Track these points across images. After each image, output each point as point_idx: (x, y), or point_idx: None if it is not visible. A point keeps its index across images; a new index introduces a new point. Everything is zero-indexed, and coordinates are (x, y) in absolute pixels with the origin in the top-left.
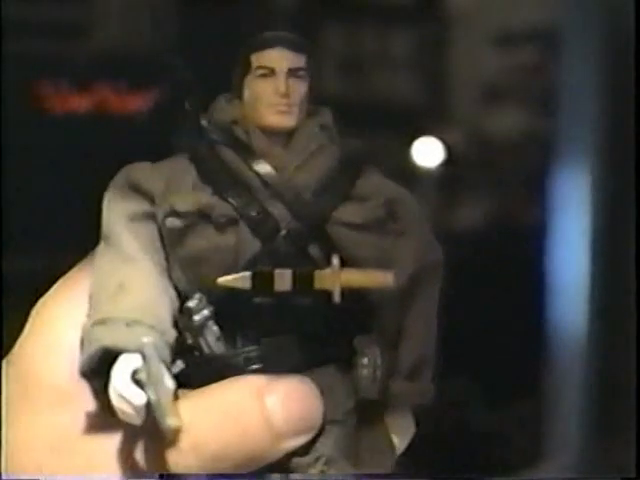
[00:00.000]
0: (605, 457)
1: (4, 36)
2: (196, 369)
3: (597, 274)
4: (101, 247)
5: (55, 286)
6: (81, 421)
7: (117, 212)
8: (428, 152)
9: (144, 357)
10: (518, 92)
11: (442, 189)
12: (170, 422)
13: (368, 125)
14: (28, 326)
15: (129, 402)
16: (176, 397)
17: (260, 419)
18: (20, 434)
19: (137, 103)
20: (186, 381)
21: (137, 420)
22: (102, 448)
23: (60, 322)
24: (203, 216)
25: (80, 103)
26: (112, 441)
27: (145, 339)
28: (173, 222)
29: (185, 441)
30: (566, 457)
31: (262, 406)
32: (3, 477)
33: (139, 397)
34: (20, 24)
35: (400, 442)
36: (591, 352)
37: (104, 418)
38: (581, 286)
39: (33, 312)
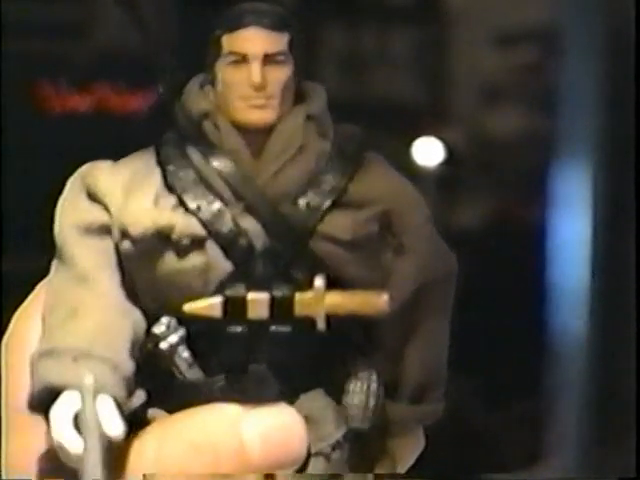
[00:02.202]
0: (605, 457)
1: (4, 36)
2: (169, 394)
3: (597, 274)
4: (54, 263)
5: (31, 295)
6: (45, 445)
7: (71, 222)
8: (428, 152)
9: (83, 400)
10: (518, 92)
11: (442, 189)
12: None
13: (367, 125)
14: (5, 336)
15: (65, 449)
16: (146, 421)
17: (235, 451)
18: None
19: (137, 103)
20: (159, 404)
21: (79, 465)
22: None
23: (30, 338)
24: (163, 238)
25: (80, 103)
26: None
27: (86, 379)
28: (126, 246)
29: (151, 471)
30: (566, 457)
31: (238, 437)
32: (3, 477)
33: (76, 444)
34: (20, 24)
35: (405, 462)
36: (591, 353)
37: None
38: (581, 287)
39: (12, 321)
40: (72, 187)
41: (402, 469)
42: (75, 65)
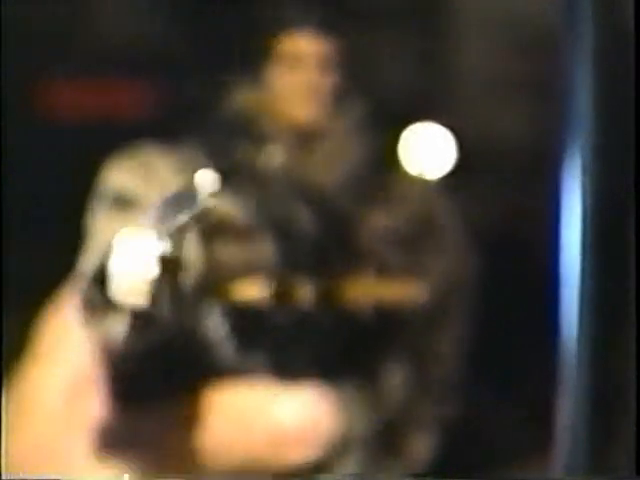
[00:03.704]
0: (604, 457)
1: (4, 36)
2: (212, 375)
3: (598, 274)
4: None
5: (58, 297)
6: (73, 434)
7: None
8: (435, 149)
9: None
10: (519, 91)
11: (449, 187)
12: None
13: (388, 124)
14: (34, 338)
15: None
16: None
17: (267, 425)
18: (18, 445)
19: (137, 102)
20: (198, 384)
21: (142, 289)
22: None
23: (58, 337)
24: (218, 225)
25: (82, 103)
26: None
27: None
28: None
29: (184, 440)
30: (566, 457)
31: (270, 412)
32: (3, 477)
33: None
34: (20, 24)
35: (422, 458)
36: (590, 352)
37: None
38: (581, 286)
39: (39, 322)
40: (123, 162)
41: (419, 465)
42: (75, 64)
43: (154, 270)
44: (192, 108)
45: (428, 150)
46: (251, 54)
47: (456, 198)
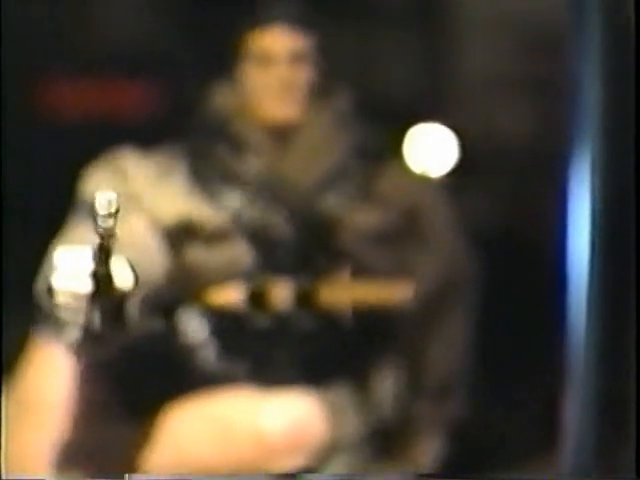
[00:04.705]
0: (605, 457)
1: (4, 36)
2: (193, 382)
3: (606, 276)
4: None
5: None
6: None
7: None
8: (438, 149)
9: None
10: (525, 91)
11: (448, 188)
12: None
13: (380, 121)
14: (30, 350)
15: (71, 291)
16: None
17: (251, 433)
18: (21, 445)
19: (137, 100)
20: (181, 391)
21: (79, 304)
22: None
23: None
24: (191, 228)
25: (82, 102)
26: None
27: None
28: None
29: (169, 445)
30: (566, 457)
31: (255, 419)
32: (3, 477)
33: (83, 286)
34: (20, 23)
35: (426, 459)
36: (591, 353)
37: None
38: (589, 287)
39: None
40: (101, 169)
41: (423, 466)
42: (76, 63)
43: (87, 287)
44: (173, 110)
45: (431, 149)
46: (225, 53)
47: (459, 197)
